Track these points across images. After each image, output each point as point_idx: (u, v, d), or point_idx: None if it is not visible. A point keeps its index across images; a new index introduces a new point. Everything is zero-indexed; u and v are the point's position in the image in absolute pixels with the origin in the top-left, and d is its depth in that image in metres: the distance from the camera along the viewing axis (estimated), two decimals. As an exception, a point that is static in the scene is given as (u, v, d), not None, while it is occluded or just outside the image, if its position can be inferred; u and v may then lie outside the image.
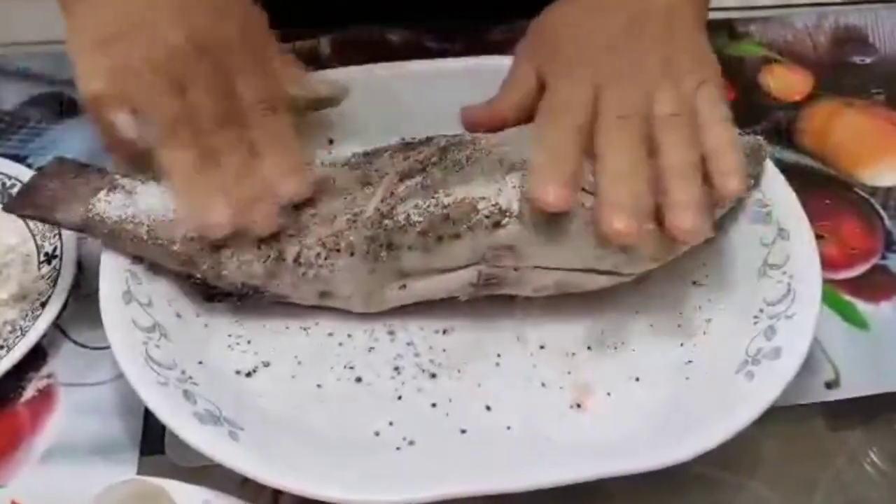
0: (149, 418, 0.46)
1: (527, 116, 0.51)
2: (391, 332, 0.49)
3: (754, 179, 0.52)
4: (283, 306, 0.50)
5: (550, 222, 0.46)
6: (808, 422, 0.49)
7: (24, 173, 0.56)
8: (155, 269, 0.49)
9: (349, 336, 0.49)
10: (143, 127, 0.47)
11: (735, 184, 0.46)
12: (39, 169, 0.53)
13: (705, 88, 0.49)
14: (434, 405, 0.46)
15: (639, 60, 0.49)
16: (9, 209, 0.49)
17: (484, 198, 0.46)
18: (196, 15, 0.48)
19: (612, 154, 0.46)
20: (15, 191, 0.55)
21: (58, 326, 0.51)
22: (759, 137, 0.53)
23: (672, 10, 0.51)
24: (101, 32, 0.48)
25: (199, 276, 0.48)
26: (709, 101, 0.49)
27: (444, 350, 0.48)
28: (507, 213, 0.46)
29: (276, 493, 0.44)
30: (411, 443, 0.44)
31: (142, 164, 0.49)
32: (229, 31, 0.49)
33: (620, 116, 0.47)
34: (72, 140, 0.61)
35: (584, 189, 0.46)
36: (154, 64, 0.47)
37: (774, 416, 0.44)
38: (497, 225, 0.46)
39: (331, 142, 0.56)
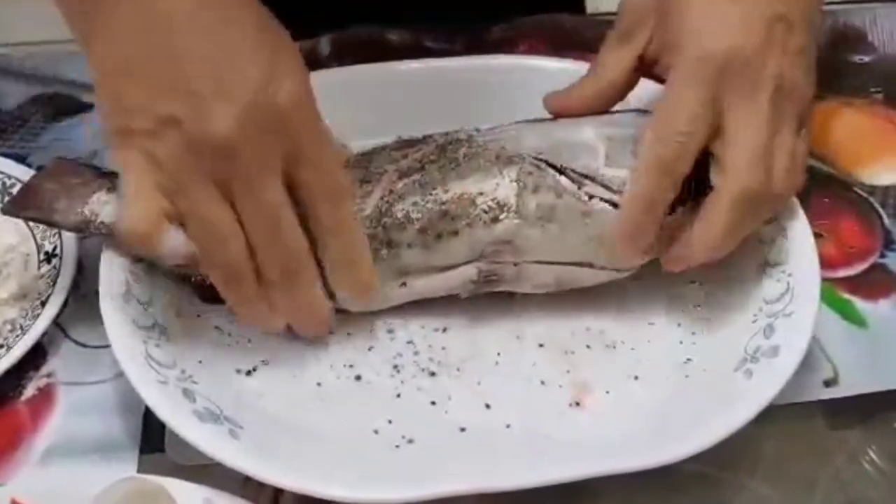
0: (149, 417, 0.46)
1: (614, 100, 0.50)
2: (391, 331, 0.49)
3: None
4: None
5: (547, 216, 0.46)
6: (807, 421, 0.49)
7: (25, 173, 0.56)
8: (155, 268, 0.49)
9: (349, 335, 0.49)
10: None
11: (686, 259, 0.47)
12: (39, 169, 0.53)
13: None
14: (433, 403, 0.46)
15: (762, 80, 0.44)
16: (7, 212, 0.49)
17: (482, 193, 0.46)
18: (244, 78, 0.39)
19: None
20: (15, 190, 0.55)
21: (58, 325, 0.51)
22: None
23: (813, 27, 0.46)
24: (134, 120, 0.40)
25: (198, 276, 0.48)
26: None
27: (444, 348, 0.49)
28: (505, 208, 0.46)
29: (278, 492, 0.44)
30: (410, 441, 0.45)
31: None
32: (288, 93, 0.40)
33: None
34: (72, 140, 0.61)
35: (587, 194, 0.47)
36: (191, 165, 0.40)
37: (774, 414, 0.44)
38: (495, 220, 0.46)
39: None
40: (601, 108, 0.50)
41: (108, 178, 0.49)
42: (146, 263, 0.49)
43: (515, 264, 0.47)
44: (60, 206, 0.48)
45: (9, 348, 0.48)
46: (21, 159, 0.59)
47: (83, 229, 0.48)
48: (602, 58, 0.50)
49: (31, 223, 0.54)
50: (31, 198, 0.49)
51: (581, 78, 0.51)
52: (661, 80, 0.47)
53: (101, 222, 0.47)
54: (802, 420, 0.49)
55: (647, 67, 0.49)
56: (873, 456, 0.48)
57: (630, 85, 0.50)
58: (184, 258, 0.42)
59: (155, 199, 0.41)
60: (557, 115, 0.51)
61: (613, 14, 0.73)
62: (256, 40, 0.41)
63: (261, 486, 0.42)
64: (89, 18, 0.41)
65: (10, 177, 0.56)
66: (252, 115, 0.39)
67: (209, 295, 0.49)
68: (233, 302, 0.44)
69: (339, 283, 0.46)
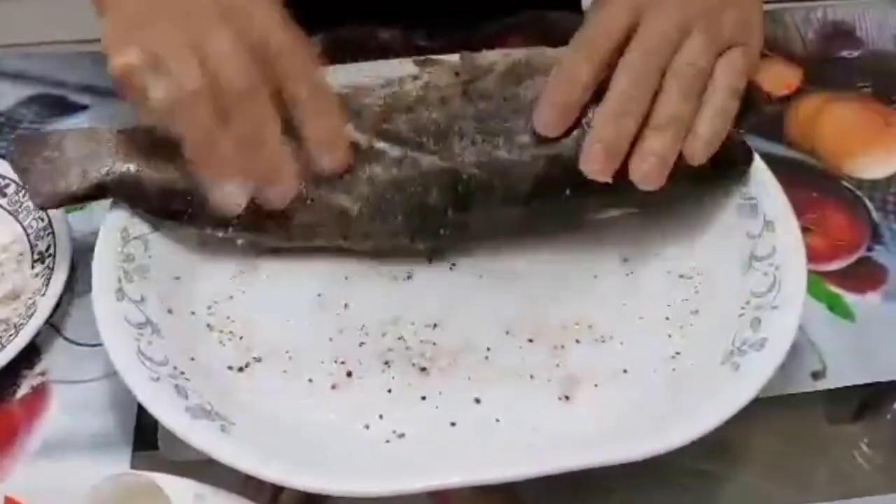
0: (142, 414, 0.47)
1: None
2: (382, 327, 0.50)
3: (741, 178, 0.52)
4: (275, 301, 0.50)
5: None
6: (802, 415, 0.49)
7: (28, 134, 0.56)
8: (147, 267, 0.49)
9: (340, 331, 0.49)
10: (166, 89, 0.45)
11: (697, 151, 0.47)
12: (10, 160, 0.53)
13: (734, 52, 0.49)
14: (424, 398, 0.47)
15: (687, 3, 0.49)
16: (43, 206, 0.50)
17: None
18: None
19: (616, 91, 0.47)
20: (9, 191, 0.55)
21: (51, 324, 0.51)
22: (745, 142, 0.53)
23: None
24: (131, 11, 0.47)
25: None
26: (728, 65, 0.49)
27: (434, 344, 0.49)
28: None
29: (277, 491, 0.44)
30: (401, 435, 0.45)
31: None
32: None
33: (643, 53, 0.47)
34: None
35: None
36: (177, 21, 0.46)
37: (768, 408, 0.45)
38: None
39: None
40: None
41: (77, 133, 0.50)
42: (138, 263, 0.49)
43: None
44: (73, 177, 0.49)
45: (2, 347, 0.48)
46: (14, 160, 0.60)
47: (107, 186, 0.49)
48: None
49: (25, 222, 0.54)
50: (41, 184, 0.49)
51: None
52: None
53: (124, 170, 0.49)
54: (798, 414, 0.49)
55: None
56: (865, 448, 0.48)
57: None
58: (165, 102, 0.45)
59: (139, 50, 0.45)
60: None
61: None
62: None
63: (260, 484, 0.43)
64: None
65: (4, 177, 0.56)
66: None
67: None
68: (196, 139, 0.46)
69: (312, 131, 0.48)
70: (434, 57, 0.54)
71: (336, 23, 0.68)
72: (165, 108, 0.45)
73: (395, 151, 0.50)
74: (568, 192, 0.49)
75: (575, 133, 0.49)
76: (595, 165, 0.47)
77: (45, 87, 0.66)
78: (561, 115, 0.48)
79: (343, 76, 0.53)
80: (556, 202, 0.50)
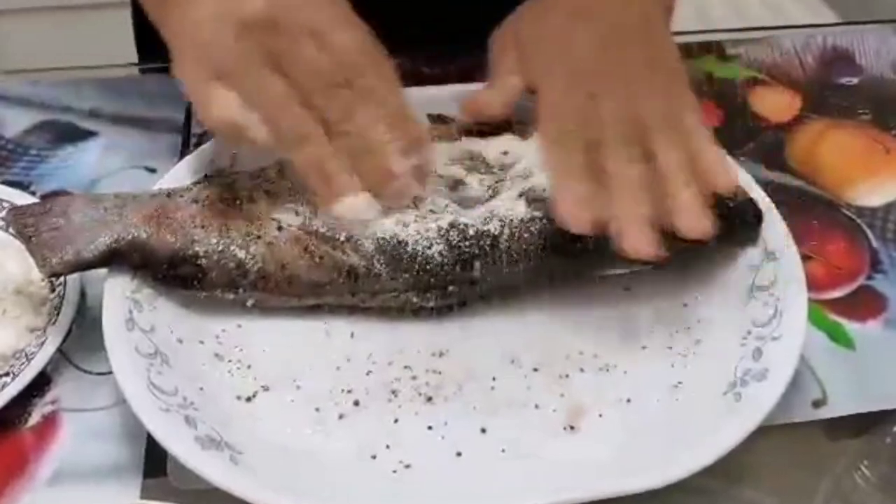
0: (152, 442, 0.47)
1: (510, 112, 0.55)
2: (388, 356, 0.50)
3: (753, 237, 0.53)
4: (283, 331, 0.51)
5: None
6: (805, 433, 0.49)
7: (27, 200, 0.57)
8: (157, 295, 0.50)
9: (348, 360, 0.50)
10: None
11: (724, 177, 0.49)
12: (43, 196, 0.53)
13: (684, 95, 0.51)
14: (430, 428, 0.47)
15: (627, 69, 0.51)
16: (50, 274, 0.50)
17: None
18: None
19: (619, 169, 0.48)
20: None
21: (62, 353, 0.51)
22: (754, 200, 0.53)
23: (648, 19, 0.53)
24: (193, 42, 0.48)
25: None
26: (689, 107, 0.51)
27: (440, 373, 0.49)
28: None
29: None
30: (408, 466, 0.45)
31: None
32: None
33: (619, 127, 0.49)
34: (74, 167, 0.62)
35: None
36: (243, 52, 0.47)
37: (773, 427, 0.46)
38: None
39: None
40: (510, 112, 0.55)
41: (81, 199, 0.51)
42: (148, 291, 0.50)
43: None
44: (81, 244, 0.49)
45: (14, 376, 0.49)
46: (24, 186, 0.60)
47: (116, 252, 0.49)
48: (504, 69, 0.56)
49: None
50: (49, 251, 0.49)
51: (500, 86, 0.56)
52: None
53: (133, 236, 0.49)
54: (799, 433, 0.49)
55: None
56: (865, 470, 0.48)
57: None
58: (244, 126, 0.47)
59: (227, 94, 0.47)
60: (471, 116, 0.56)
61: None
62: None
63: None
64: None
65: (13, 204, 0.57)
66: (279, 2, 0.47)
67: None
68: (308, 167, 0.48)
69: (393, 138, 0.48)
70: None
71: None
72: (270, 146, 0.48)
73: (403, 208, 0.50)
74: (576, 249, 0.50)
75: None
76: (641, 249, 0.47)
77: (52, 114, 0.66)
78: (587, 208, 0.48)
79: None
80: (564, 261, 0.50)
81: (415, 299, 0.50)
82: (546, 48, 0.54)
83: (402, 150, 0.49)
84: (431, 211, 0.50)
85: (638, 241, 0.46)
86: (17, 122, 0.66)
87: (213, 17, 0.47)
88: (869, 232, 0.59)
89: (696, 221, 0.47)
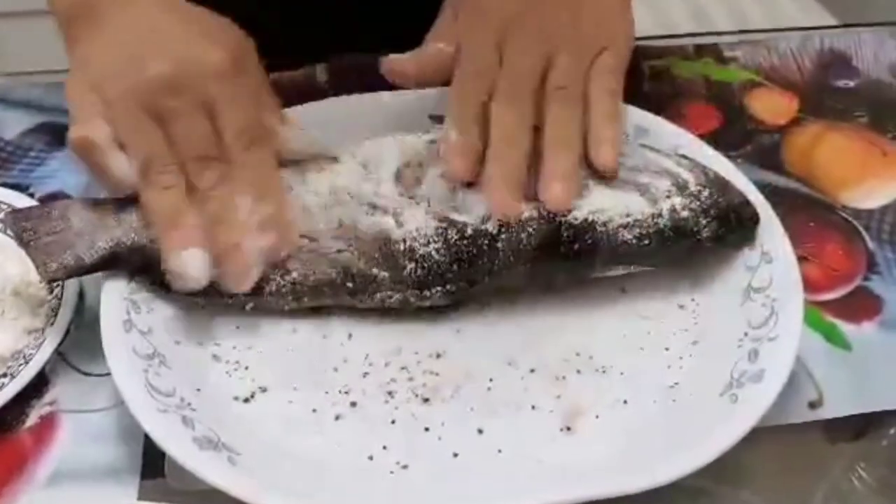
0: (149, 443, 0.47)
1: (448, 71, 0.54)
2: (385, 357, 0.50)
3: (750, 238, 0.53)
4: (280, 332, 0.51)
5: None
6: (802, 436, 0.50)
7: (26, 203, 0.57)
8: (155, 297, 0.50)
9: (345, 361, 0.50)
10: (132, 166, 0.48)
11: (605, 154, 0.50)
12: (42, 200, 0.53)
13: (602, 58, 0.52)
14: (427, 429, 0.47)
15: (544, 25, 0.52)
16: (50, 279, 0.50)
17: None
18: (183, 45, 0.49)
19: (499, 128, 0.49)
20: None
21: (60, 354, 0.52)
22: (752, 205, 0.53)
23: None
24: (94, 74, 0.49)
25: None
26: (600, 72, 0.51)
27: (437, 374, 0.50)
28: None
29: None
30: (404, 467, 0.46)
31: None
32: (216, 60, 0.49)
33: (512, 88, 0.50)
34: (73, 169, 0.62)
35: None
36: (136, 97, 0.47)
37: (770, 429, 0.46)
38: None
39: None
40: (438, 77, 0.55)
41: (80, 203, 0.51)
42: (146, 293, 0.50)
43: None
44: (81, 249, 0.49)
45: (12, 377, 0.49)
46: (23, 189, 0.60)
47: (116, 256, 0.49)
48: (434, 35, 0.57)
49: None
50: (47, 259, 0.49)
51: (418, 51, 0.56)
52: None
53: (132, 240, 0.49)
54: (796, 435, 0.49)
55: None
56: (862, 473, 0.48)
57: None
58: (127, 180, 0.48)
59: (103, 123, 0.48)
60: (395, 80, 0.56)
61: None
62: (197, 26, 0.51)
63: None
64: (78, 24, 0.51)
65: (12, 208, 0.57)
66: (185, 68, 0.48)
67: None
68: (160, 211, 0.48)
69: (250, 213, 0.49)
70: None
71: (340, 52, 0.69)
72: (129, 182, 0.48)
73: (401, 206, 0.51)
74: (573, 250, 0.50)
75: (576, 197, 0.50)
76: (498, 201, 0.48)
77: (51, 116, 0.66)
78: (469, 161, 0.50)
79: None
80: (561, 261, 0.50)
81: (412, 299, 0.50)
82: (475, 7, 0.54)
83: (260, 227, 0.48)
84: (430, 209, 0.50)
85: (499, 204, 0.48)
86: (16, 124, 0.66)
87: (119, 62, 0.49)
88: (865, 234, 0.59)
89: (555, 191, 0.48)
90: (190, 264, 0.47)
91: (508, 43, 0.51)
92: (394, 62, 0.56)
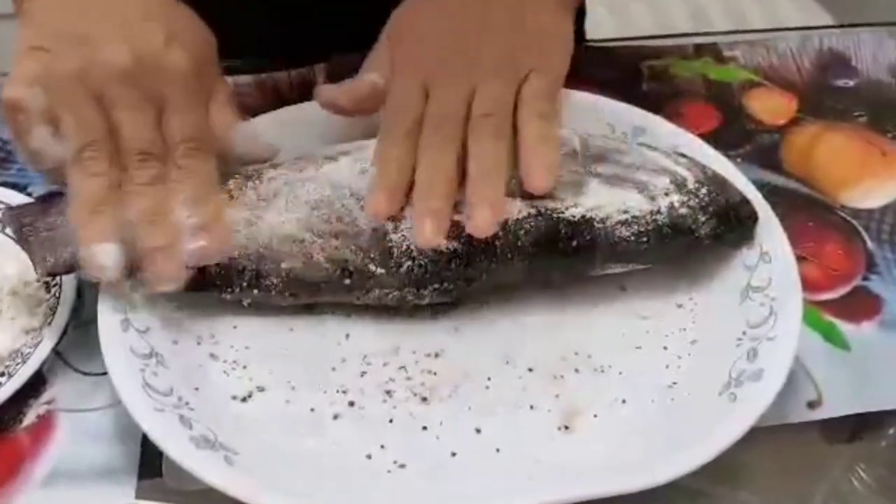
0: (147, 443, 0.47)
1: (381, 102, 0.53)
2: (383, 357, 0.50)
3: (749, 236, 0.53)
4: (278, 332, 0.51)
5: None
6: (800, 436, 0.49)
7: (24, 202, 0.57)
8: (152, 297, 0.50)
9: (343, 360, 0.50)
10: (60, 142, 0.47)
11: (536, 180, 0.49)
12: (41, 199, 0.53)
13: (531, 81, 0.51)
14: (425, 428, 0.47)
15: (470, 53, 0.51)
16: (47, 274, 0.50)
17: None
18: (144, 36, 0.48)
19: (424, 164, 0.49)
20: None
21: (58, 353, 0.51)
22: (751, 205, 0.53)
23: (527, 8, 0.53)
24: (42, 38, 0.48)
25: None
26: (530, 96, 0.51)
27: (435, 374, 0.49)
28: None
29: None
30: (402, 466, 0.45)
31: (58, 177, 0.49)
32: (174, 59, 0.48)
33: (437, 121, 0.49)
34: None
35: None
36: (84, 78, 0.46)
37: (768, 430, 0.46)
38: None
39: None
40: (372, 108, 0.54)
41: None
42: (144, 292, 0.50)
43: None
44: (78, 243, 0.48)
45: (10, 376, 0.49)
46: (21, 188, 0.60)
47: None
48: (369, 65, 0.55)
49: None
50: (46, 250, 0.49)
51: (350, 82, 0.55)
52: None
53: None
54: (796, 436, 0.49)
55: None
56: (862, 471, 0.48)
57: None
58: (44, 155, 0.48)
59: (39, 91, 0.47)
60: (329, 109, 0.55)
61: (612, 40, 0.75)
62: (161, 19, 0.50)
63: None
64: None
65: (10, 206, 0.57)
66: (143, 62, 0.47)
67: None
68: (85, 196, 0.47)
69: (184, 216, 0.48)
70: None
71: (337, 52, 0.69)
72: (46, 158, 0.47)
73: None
74: (571, 247, 0.50)
75: (573, 194, 0.50)
76: (425, 237, 0.48)
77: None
78: (389, 198, 0.49)
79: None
80: (559, 259, 0.50)
81: (409, 296, 0.50)
82: (405, 37, 0.54)
83: (195, 230, 0.48)
84: None
85: (422, 236, 0.47)
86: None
87: (72, 35, 0.47)
88: (864, 234, 0.59)
89: (481, 221, 0.47)
90: (101, 256, 0.46)
91: (436, 75, 0.51)
92: (326, 93, 0.55)
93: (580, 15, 0.84)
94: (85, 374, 0.51)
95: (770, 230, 0.52)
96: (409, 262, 0.49)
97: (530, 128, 0.50)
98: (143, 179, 0.47)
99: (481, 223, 0.47)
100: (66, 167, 0.47)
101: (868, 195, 0.62)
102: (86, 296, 0.53)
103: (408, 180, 0.49)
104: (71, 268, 0.49)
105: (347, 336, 0.51)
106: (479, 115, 0.49)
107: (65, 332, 0.51)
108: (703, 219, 0.51)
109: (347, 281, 0.50)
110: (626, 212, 0.50)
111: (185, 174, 0.48)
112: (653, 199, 0.50)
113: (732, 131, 0.66)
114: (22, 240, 0.50)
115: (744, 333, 0.49)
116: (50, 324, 0.51)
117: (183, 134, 0.48)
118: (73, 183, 0.47)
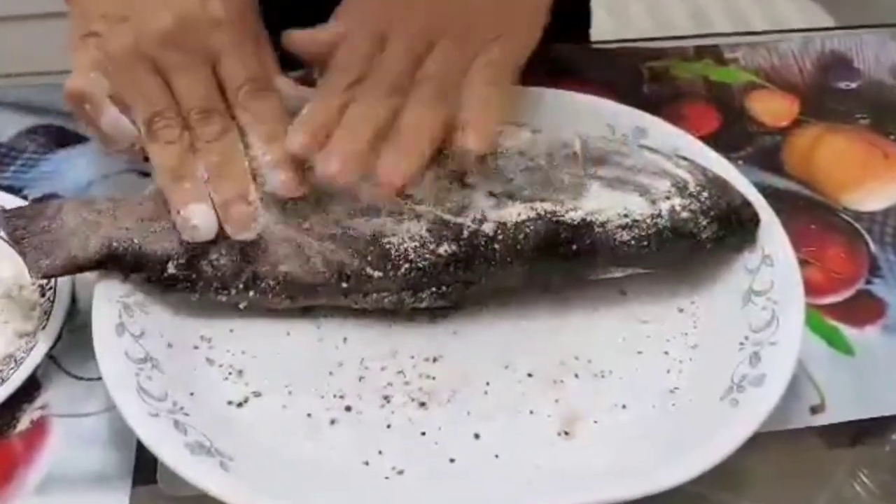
0: (141, 448, 0.46)
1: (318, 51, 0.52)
2: (381, 361, 0.50)
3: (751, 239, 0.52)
4: (275, 336, 0.50)
5: None
6: (802, 442, 0.49)
7: (20, 205, 0.56)
8: (148, 300, 0.49)
9: (340, 365, 0.50)
10: (130, 120, 0.49)
11: (469, 142, 0.48)
12: (36, 200, 0.53)
13: (493, 48, 0.50)
14: (423, 434, 0.47)
15: (432, 10, 0.51)
16: (42, 276, 0.49)
17: None
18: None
19: (350, 113, 0.48)
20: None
21: (52, 358, 0.51)
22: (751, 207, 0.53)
23: None
24: (91, 24, 0.50)
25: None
26: (482, 63, 0.50)
27: (434, 378, 0.49)
28: None
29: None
30: (400, 472, 0.45)
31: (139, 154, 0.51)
32: (213, 10, 0.49)
33: (379, 75, 0.49)
34: (67, 171, 0.62)
35: None
36: (137, 52, 0.48)
37: (769, 435, 0.45)
38: None
39: None
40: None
41: (75, 203, 0.51)
42: (139, 296, 0.49)
43: None
44: (74, 247, 0.49)
45: (3, 381, 0.48)
46: (17, 191, 0.60)
47: (109, 255, 0.49)
48: (338, 13, 0.54)
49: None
50: (41, 253, 0.49)
51: (316, 28, 0.54)
52: None
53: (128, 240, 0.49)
54: (798, 441, 0.49)
55: None
56: (865, 479, 0.48)
57: None
58: (117, 135, 0.50)
59: (99, 76, 0.49)
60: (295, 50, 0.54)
61: (613, 42, 0.74)
62: None
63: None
64: None
65: (5, 209, 0.56)
66: (186, 20, 0.48)
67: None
68: (165, 167, 0.49)
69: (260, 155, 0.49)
70: None
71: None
72: (120, 138, 0.49)
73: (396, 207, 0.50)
74: (571, 251, 0.49)
75: (573, 197, 0.50)
76: (332, 168, 0.47)
77: (45, 118, 0.66)
78: (310, 138, 0.48)
79: None
80: (559, 262, 0.50)
81: (407, 300, 0.50)
82: None
83: (272, 166, 0.49)
84: (426, 210, 0.50)
85: (326, 170, 0.47)
86: (9, 125, 0.66)
87: (118, 16, 0.49)
88: (867, 236, 0.59)
89: (388, 164, 0.46)
90: (195, 217, 0.48)
91: (395, 28, 0.50)
92: (293, 35, 0.54)
93: (585, 21, 0.84)
94: (79, 378, 0.51)
95: (772, 233, 0.52)
96: (407, 265, 0.49)
97: (471, 91, 0.49)
98: (208, 136, 0.49)
99: (388, 168, 0.46)
100: (142, 143, 0.49)
101: (870, 197, 0.61)
102: (80, 300, 0.53)
103: (334, 128, 0.48)
104: (65, 270, 0.49)
105: (345, 340, 0.51)
106: (423, 74, 0.49)
107: (59, 337, 0.51)
108: (704, 222, 0.50)
109: (344, 284, 0.49)
110: (626, 215, 0.49)
111: (253, 115, 0.49)
112: (654, 202, 0.50)
113: (733, 133, 0.65)
114: (16, 241, 0.49)
115: (746, 338, 0.48)
116: (44, 328, 0.51)
117: (239, 77, 0.49)
118: (151, 155, 0.49)
